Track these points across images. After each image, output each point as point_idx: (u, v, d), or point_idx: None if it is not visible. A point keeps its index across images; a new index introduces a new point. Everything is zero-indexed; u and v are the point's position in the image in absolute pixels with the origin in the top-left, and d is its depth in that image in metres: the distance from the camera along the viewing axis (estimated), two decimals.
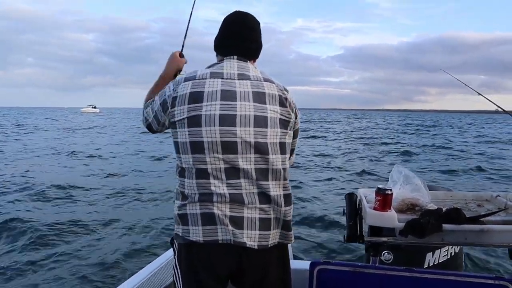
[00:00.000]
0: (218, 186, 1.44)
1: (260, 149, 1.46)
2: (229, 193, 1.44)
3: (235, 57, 1.57)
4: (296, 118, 1.59)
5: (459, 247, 2.61)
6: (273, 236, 1.51)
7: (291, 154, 1.63)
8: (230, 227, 1.43)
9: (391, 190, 1.70)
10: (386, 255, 2.41)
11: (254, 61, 1.66)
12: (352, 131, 36.12)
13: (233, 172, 1.45)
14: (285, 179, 1.54)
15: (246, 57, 1.59)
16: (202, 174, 1.45)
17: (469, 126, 53.47)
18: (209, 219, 1.44)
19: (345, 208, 1.93)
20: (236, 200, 1.45)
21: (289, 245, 1.62)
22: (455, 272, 1.83)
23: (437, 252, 2.50)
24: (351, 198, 1.94)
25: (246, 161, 1.45)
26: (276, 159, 1.49)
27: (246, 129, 1.45)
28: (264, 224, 1.48)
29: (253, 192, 1.46)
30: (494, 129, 44.20)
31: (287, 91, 1.59)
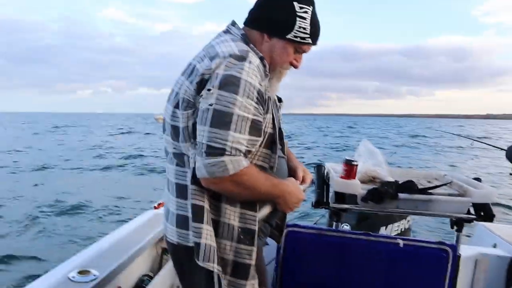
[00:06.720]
0: None
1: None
2: None
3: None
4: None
5: (408, 224, 2.91)
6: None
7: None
8: None
9: (357, 161, 1.92)
10: (345, 228, 2.67)
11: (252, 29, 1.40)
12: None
13: None
14: None
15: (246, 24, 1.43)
16: None
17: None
18: None
19: (313, 178, 2.14)
20: None
21: None
22: (404, 237, 2.09)
23: (390, 227, 2.79)
24: (319, 169, 2.15)
25: None
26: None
27: None
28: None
29: None
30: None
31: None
